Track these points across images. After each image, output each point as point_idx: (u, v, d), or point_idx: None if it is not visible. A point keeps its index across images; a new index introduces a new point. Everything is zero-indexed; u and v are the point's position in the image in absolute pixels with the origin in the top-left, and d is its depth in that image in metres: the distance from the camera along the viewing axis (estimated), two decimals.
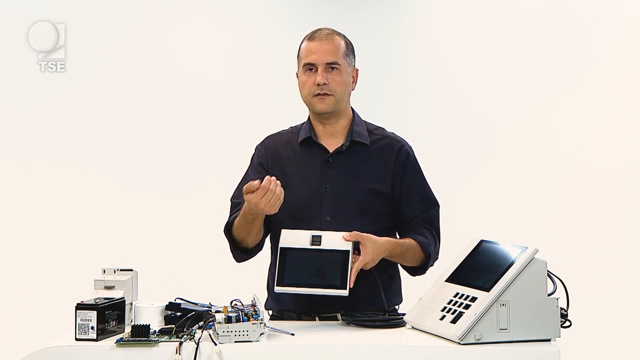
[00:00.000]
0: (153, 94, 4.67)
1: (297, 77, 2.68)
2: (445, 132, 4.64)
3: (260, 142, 2.76)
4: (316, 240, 2.42)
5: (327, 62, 2.60)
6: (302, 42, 2.67)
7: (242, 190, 2.53)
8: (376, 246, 2.46)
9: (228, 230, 2.64)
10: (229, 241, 2.66)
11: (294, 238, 2.44)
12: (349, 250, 2.41)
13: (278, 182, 2.44)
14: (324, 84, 2.59)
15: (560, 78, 4.60)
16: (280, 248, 2.42)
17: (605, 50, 4.59)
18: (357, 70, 2.70)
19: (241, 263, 2.71)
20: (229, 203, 2.72)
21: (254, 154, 2.76)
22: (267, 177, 2.42)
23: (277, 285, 2.40)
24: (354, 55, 2.69)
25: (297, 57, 2.68)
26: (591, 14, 4.59)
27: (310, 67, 2.62)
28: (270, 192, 2.41)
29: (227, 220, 2.67)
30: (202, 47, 4.70)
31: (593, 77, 4.58)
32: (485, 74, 4.64)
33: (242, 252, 2.66)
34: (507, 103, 4.63)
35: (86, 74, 4.66)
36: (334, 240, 2.42)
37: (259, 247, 2.67)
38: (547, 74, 4.60)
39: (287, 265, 2.40)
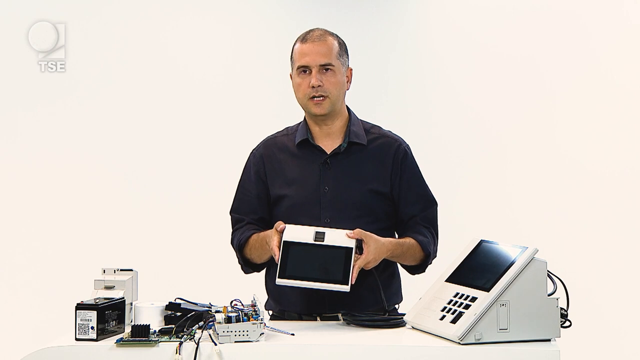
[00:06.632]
0: (153, 94, 4.67)
1: (291, 78, 2.66)
2: (445, 132, 4.64)
3: (255, 148, 2.74)
4: (320, 236, 2.42)
5: (321, 64, 2.58)
6: (294, 43, 2.65)
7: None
8: (379, 245, 2.46)
9: (240, 247, 2.65)
10: (237, 256, 2.68)
11: (298, 233, 2.43)
12: (352, 247, 2.40)
13: None
14: (319, 85, 2.58)
15: (560, 78, 4.60)
16: (284, 242, 2.41)
17: (605, 50, 4.59)
18: (351, 69, 2.69)
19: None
20: (228, 207, 2.73)
21: (249, 161, 2.74)
22: None
23: (278, 277, 2.38)
24: (348, 55, 2.67)
25: (290, 59, 2.66)
26: (591, 14, 4.59)
27: (304, 70, 2.60)
28: None
29: (234, 234, 2.68)
30: (202, 47, 4.70)
31: (593, 77, 4.58)
32: (485, 73, 4.64)
33: (250, 267, 2.68)
34: (506, 103, 4.62)
35: (86, 74, 4.66)
36: (338, 237, 2.42)
37: (267, 263, 2.68)
38: (547, 74, 4.60)
39: (290, 259, 2.39)
